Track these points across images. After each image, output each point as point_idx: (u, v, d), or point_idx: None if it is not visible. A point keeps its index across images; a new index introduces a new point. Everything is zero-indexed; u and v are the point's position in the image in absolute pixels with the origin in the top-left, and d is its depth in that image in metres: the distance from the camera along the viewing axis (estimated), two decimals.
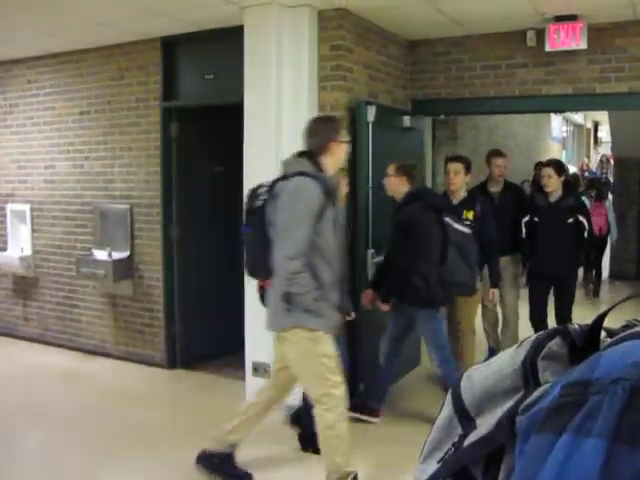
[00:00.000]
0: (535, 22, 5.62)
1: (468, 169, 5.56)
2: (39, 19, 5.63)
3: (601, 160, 18.81)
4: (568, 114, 17.81)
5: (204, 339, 6.47)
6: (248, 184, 5.29)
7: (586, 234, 5.87)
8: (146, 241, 6.50)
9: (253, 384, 5.42)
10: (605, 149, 22.17)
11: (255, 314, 5.37)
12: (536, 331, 0.76)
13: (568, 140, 21.12)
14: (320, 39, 5.33)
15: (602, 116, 19.03)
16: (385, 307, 4.98)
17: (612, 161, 16.77)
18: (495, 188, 6.22)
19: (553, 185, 5.80)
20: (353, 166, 5.37)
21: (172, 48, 6.26)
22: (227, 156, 6.26)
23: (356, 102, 5.40)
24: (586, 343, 0.70)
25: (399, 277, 4.80)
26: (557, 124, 18.25)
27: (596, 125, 23.84)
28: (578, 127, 22.50)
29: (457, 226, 4.79)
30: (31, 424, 5.17)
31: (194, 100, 6.24)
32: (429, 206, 4.76)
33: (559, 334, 0.72)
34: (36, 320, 7.48)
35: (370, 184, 5.35)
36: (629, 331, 0.66)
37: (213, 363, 6.38)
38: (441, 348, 4.95)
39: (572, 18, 5.44)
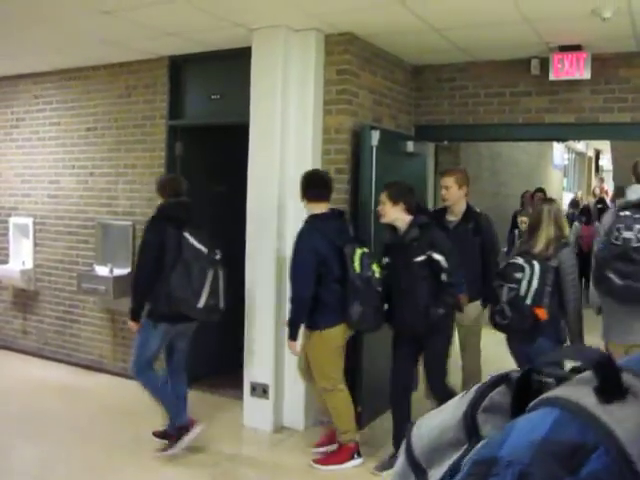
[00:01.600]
0: (539, 51, 5.67)
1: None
2: (47, 35, 5.69)
3: (593, 192, 18.14)
4: (570, 142, 17.85)
5: (202, 358, 6.44)
6: (251, 204, 5.35)
7: (445, 276, 4.32)
8: None
9: (251, 404, 5.42)
10: (606, 177, 22.22)
11: (254, 334, 5.39)
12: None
13: (569, 168, 21.20)
14: (326, 63, 5.38)
15: (604, 145, 19.09)
16: (133, 326, 4.81)
17: (606, 192, 16.80)
18: (451, 217, 5.23)
19: (387, 215, 4.52)
20: (356, 190, 5.41)
21: (179, 67, 6.32)
22: (231, 176, 6.29)
23: (360, 126, 5.44)
24: (522, 392, 0.66)
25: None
26: (559, 152, 18.32)
27: (597, 153, 23.93)
28: (579, 155, 22.59)
29: (194, 243, 4.57)
30: (27, 438, 5.16)
31: (200, 119, 6.28)
32: (167, 218, 4.65)
33: (504, 381, 0.68)
34: (35, 334, 7.48)
35: (373, 207, 5.37)
36: (547, 394, 0.61)
37: (210, 382, 6.36)
38: (137, 357, 4.76)
39: (576, 48, 5.49)
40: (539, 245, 4.30)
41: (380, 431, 5.39)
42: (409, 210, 4.46)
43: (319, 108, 5.38)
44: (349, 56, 5.36)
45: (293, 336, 4.60)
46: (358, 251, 4.50)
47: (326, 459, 4.78)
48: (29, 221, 7.44)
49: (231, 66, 5.86)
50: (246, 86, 5.38)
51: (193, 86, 6.30)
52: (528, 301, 4.17)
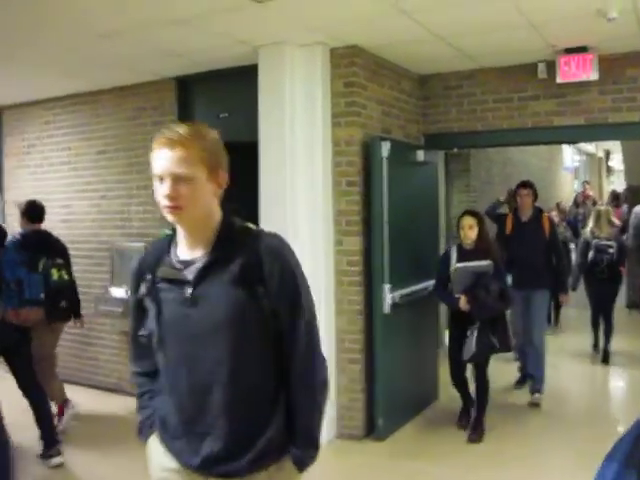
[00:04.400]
0: (545, 54, 5.67)
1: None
2: (55, 60, 5.73)
3: (575, 200, 15.27)
4: (580, 144, 17.80)
5: None
6: (264, 220, 5.35)
7: None
8: None
9: None
10: (617, 177, 22.10)
11: None
12: None
13: (580, 170, 21.13)
14: (333, 76, 5.39)
15: (613, 145, 19.01)
16: None
17: (587, 197, 15.53)
18: (188, 252, 2.15)
19: None
20: (368, 201, 5.40)
21: (187, 87, 6.35)
22: (242, 193, 6.29)
23: (370, 138, 5.44)
24: None
25: None
26: (569, 154, 18.27)
27: (607, 154, 23.84)
28: (590, 156, 22.51)
29: None
30: (41, 462, 5.15)
31: None
32: None
33: None
34: None
35: (386, 218, 5.36)
36: None
37: None
38: None
39: (582, 50, 5.49)
40: (604, 232, 7.46)
41: (402, 443, 5.37)
42: None
43: (328, 121, 5.38)
44: (355, 68, 5.37)
45: None
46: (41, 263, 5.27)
47: None
48: None
49: (238, 84, 5.88)
50: (254, 103, 5.39)
51: (201, 106, 6.33)
52: (617, 262, 7.41)
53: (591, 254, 7.35)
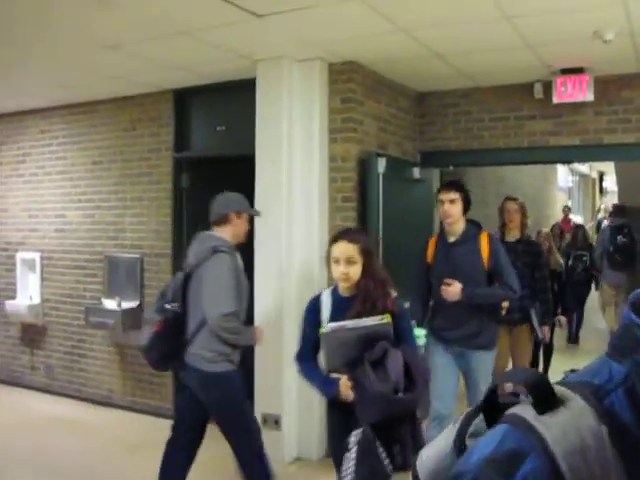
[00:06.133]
0: (542, 75, 5.70)
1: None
2: (54, 71, 5.74)
3: (552, 231, 11.98)
4: (574, 165, 17.88)
5: None
6: (259, 235, 5.34)
7: None
8: (156, 291, 6.47)
9: (263, 436, 5.36)
10: (611, 197, 22.19)
11: (265, 365, 5.35)
12: None
13: (574, 190, 21.23)
14: (331, 92, 5.40)
15: (607, 166, 19.11)
16: None
17: (569, 226, 13.63)
18: None
19: None
20: (363, 217, 5.40)
21: (184, 100, 6.36)
22: None
23: (366, 154, 5.45)
24: (493, 413, 0.74)
25: None
26: (563, 174, 18.34)
27: (601, 175, 23.97)
28: (583, 177, 22.62)
29: None
30: (39, 475, 5.11)
31: (205, 151, 6.30)
32: None
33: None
34: (43, 369, 7.44)
35: (381, 235, 5.37)
36: (506, 413, 0.70)
37: None
38: None
39: (578, 71, 5.52)
40: (579, 244, 9.31)
41: None
42: None
43: (324, 137, 5.39)
44: (353, 84, 5.39)
45: None
46: None
47: None
48: (36, 256, 7.44)
49: (236, 97, 5.89)
50: (251, 117, 5.40)
51: (198, 118, 6.33)
52: (590, 268, 9.18)
53: (570, 261, 9.10)
